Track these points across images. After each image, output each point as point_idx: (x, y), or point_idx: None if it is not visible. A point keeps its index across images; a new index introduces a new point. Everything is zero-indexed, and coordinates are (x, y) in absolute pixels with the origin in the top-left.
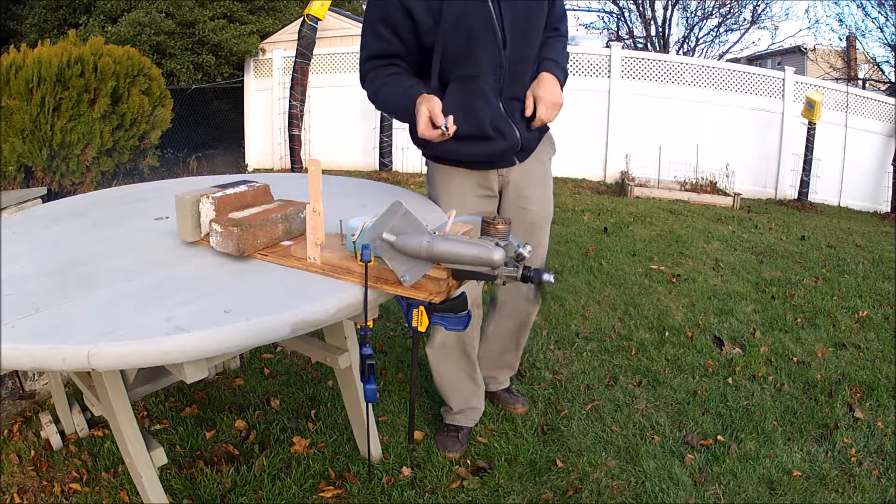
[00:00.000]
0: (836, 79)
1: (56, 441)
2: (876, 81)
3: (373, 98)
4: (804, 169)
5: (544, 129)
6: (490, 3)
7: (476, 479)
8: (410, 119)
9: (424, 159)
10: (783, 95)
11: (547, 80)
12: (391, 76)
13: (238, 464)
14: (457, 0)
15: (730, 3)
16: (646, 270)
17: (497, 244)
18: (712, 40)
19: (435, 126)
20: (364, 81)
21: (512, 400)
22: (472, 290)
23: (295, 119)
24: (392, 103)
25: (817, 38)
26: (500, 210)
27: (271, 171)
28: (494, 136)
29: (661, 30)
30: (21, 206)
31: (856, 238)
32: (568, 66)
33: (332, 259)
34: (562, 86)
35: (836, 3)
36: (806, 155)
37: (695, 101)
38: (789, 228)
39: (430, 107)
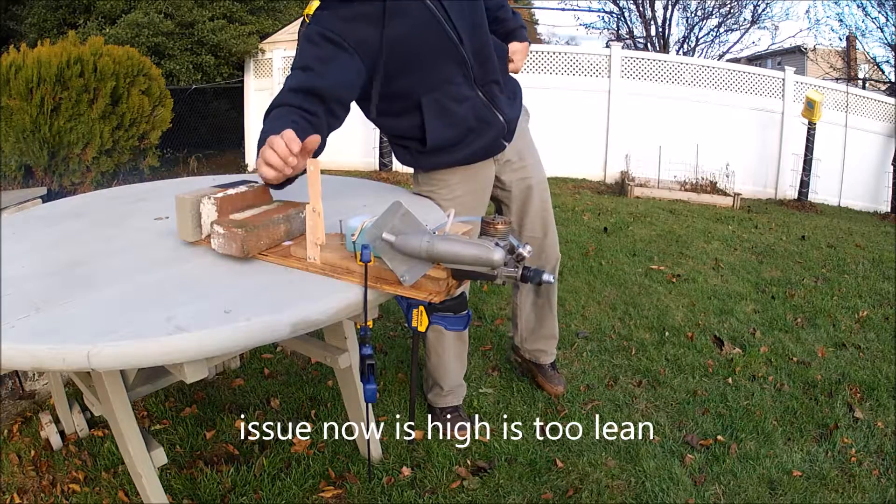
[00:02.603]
0: (836, 79)
1: (56, 441)
2: (876, 81)
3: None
4: (804, 169)
5: (520, 101)
6: (434, 8)
7: (476, 479)
8: (266, 135)
9: (413, 171)
10: (783, 95)
11: (524, 48)
12: (296, 121)
13: (238, 464)
14: (401, 18)
15: (730, 4)
16: (646, 270)
17: (497, 244)
18: (712, 40)
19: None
20: (268, 113)
21: (556, 379)
22: None
23: None
24: (268, 123)
25: (817, 38)
26: (505, 190)
27: None
28: (481, 129)
29: (661, 30)
30: (21, 206)
31: (856, 238)
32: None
33: (332, 259)
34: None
35: (836, 3)
36: (806, 155)
37: (695, 101)
38: (789, 228)
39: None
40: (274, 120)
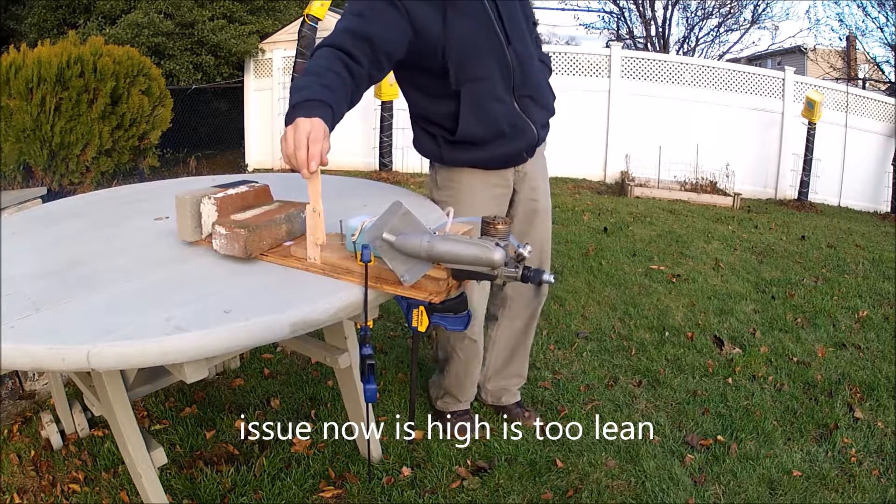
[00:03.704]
0: (836, 79)
1: (56, 441)
2: (876, 81)
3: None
4: (804, 169)
5: (548, 129)
6: (487, 3)
7: (476, 479)
8: (296, 94)
9: (429, 162)
10: (783, 95)
11: None
12: (336, 70)
13: (238, 464)
14: (458, 2)
15: (730, 3)
16: (646, 270)
17: (497, 244)
18: (712, 40)
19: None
20: (315, 52)
21: (527, 415)
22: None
23: None
24: (306, 79)
25: (817, 38)
26: (511, 204)
27: (271, 171)
28: (512, 135)
29: (661, 30)
30: (21, 206)
31: (856, 238)
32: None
33: (332, 259)
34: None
35: (836, 3)
36: (806, 155)
37: (695, 101)
38: (789, 228)
39: (318, 141)
40: (319, 60)
